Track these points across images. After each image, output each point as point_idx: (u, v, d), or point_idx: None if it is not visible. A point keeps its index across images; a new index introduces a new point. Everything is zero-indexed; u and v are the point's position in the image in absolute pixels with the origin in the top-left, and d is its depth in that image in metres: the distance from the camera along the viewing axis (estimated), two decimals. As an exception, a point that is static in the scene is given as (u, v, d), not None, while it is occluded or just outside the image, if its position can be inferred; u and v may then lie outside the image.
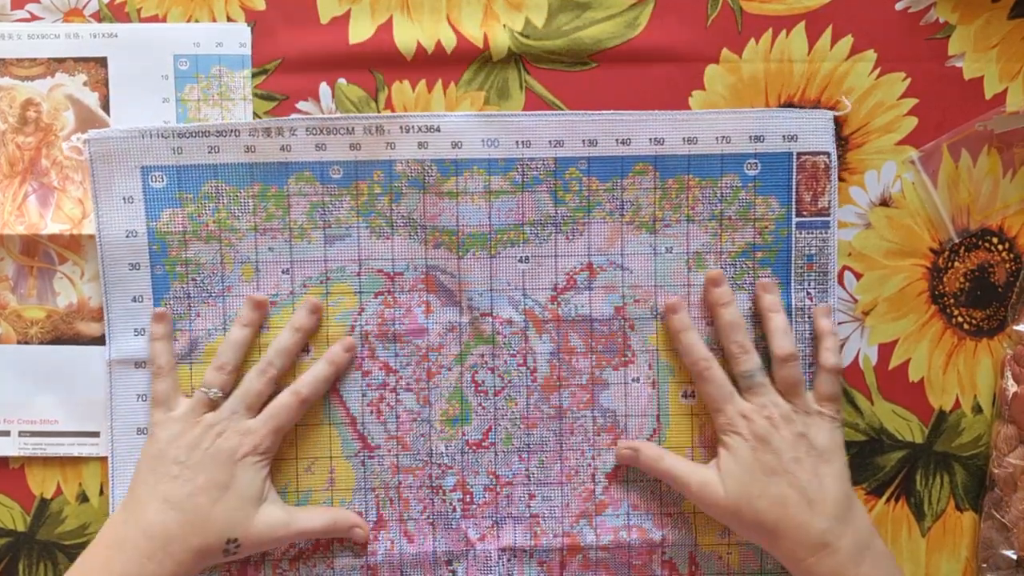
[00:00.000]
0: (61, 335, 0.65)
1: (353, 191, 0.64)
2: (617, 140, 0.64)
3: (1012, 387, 0.65)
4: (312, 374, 0.63)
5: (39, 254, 0.65)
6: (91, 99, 0.65)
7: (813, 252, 0.64)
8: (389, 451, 0.65)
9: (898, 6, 0.65)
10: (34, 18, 0.65)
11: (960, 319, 0.66)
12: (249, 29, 0.64)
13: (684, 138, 0.64)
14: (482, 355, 0.65)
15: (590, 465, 0.65)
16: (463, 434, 0.65)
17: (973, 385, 0.66)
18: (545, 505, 0.65)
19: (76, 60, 0.64)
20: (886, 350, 0.66)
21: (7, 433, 0.65)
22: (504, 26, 0.64)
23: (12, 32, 0.64)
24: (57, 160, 0.65)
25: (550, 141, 0.64)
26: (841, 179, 0.65)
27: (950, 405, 0.66)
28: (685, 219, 0.64)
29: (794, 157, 0.64)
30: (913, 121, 0.65)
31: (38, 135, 0.65)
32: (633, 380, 0.65)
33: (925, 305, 0.66)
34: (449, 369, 0.65)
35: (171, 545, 0.58)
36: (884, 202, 0.65)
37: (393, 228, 0.64)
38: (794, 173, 0.64)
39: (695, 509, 0.65)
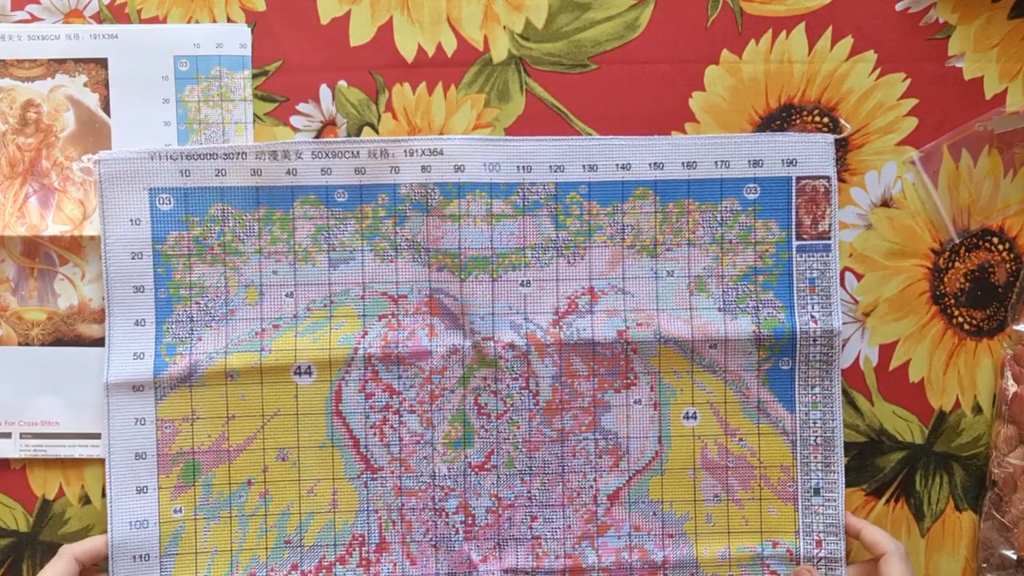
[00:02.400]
0: (62, 337, 0.65)
1: (358, 214, 0.64)
2: (617, 165, 0.65)
3: (1012, 387, 0.65)
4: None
5: (40, 256, 0.65)
6: (91, 100, 0.65)
7: (815, 275, 0.65)
8: (392, 473, 0.65)
9: (898, 6, 0.65)
10: (34, 19, 0.65)
11: (960, 319, 0.67)
12: (249, 30, 0.65)
13: (684, 163, 0.65)
14: (485, 378, 0.65)
15: (592, 487, 0.65)
16: (466, 456, 0.65)
17: (973, 385, 0.67)
18: (547, 527, 0.65)
19: (76, 61, 0.65)
20: (887, 351, 0.66)
21: (8, 435, 0.65)
22: (504, 28, 0.65)
23: (12, 33, 0.64)
24: (57, 161, 0.65)
25: (551, 166, 0.64)
26: (842, 180, 0.65)
27: (950, 405, 0.67)
28: (686, 243, 0.65)
29: (793, 181, 0.64)
30: (913, 121, 0.66)
31: (38, 136, 0.65)
32: (635, 402, 0.65)
33: (926, 306, 0.66)
34: (452, 392, 0.65)
35: None
36: (885, 203, 0.66)
37: (397, 251, 0.64)
38: (794, 197, 0.65)
39: (696, 530, 0.65)
